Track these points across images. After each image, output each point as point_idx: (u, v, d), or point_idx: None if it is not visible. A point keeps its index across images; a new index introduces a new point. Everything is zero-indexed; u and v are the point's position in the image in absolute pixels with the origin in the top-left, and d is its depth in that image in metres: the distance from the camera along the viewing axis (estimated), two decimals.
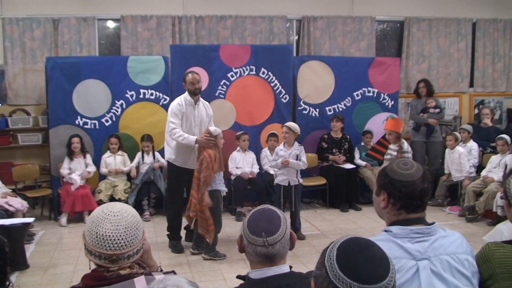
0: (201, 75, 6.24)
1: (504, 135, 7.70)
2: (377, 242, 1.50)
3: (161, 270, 2.27)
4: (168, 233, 6.24)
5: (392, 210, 2.02)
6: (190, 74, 6.04)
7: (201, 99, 6.17)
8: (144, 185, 7.76)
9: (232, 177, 7.92)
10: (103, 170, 7.88)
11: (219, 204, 5.84)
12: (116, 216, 1.96)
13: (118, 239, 1.93)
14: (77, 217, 7.51)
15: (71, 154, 7.63)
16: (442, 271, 1.88)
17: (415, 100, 9.08)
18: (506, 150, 7.50)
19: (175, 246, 6.10)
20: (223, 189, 5.95)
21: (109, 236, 1.93)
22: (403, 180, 1.97)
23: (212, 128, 5.79)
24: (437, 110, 8.74)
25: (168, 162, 6.24)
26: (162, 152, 7.65)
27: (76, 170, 7.58)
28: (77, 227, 7.16)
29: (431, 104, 8.75)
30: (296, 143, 6.53)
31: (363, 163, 8.52)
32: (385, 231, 1.99)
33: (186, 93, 6.04)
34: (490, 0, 10.25)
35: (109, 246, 1.93)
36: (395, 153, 6.86)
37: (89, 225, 1.98)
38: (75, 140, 7.61)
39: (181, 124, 5.99)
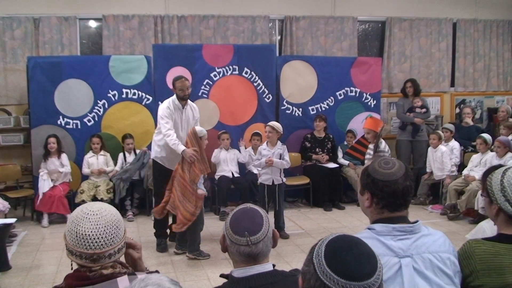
0: (184, 75, 6.18)
1: (483, 134, 7.78)
2: None
3: (147, 270, 2.26)
4: (154, 231, 6.22)
5: (376, 209, 2.02)
6: (179, 80, 5.89)
7: (189, 101, 6.11)
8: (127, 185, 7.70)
9: (216, 177, 7.92)
10: (85, 170, 7.79)
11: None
12: (95, 215, 1.96)
13: (98, 238, 1.92)
14: (59, 218, 7.45)
15: (46, 155, 7.53)
16: (424, 269, 1.89)
17: (402, 99, 9.13)
18: (486, 149, 7.57)
19: (159, 244, 6.07)
20: (203, 189, 5.95)
21: (89, 235, 1.92)
22: (385, 180, 1.98)
23: (198, 129, 5.78)
24: (424, 109, 8.81)
25: (154, 161, 6.20)
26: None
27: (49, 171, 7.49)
28: (59, 228, 7.09)
29: (417, 103, 8.81)
30: (279, 143, 6.54)
31: (346, 162, 8.55)
32: (368, 228, 2.00)
33: (174, 96, 5.95)
34: (470, 0, 10.35)
35: (89, 245, 1.91)
36: (373, 152, 6.89)
37: (69, 225, 1.97)
38: (51, 140, 7.50)
39: None
